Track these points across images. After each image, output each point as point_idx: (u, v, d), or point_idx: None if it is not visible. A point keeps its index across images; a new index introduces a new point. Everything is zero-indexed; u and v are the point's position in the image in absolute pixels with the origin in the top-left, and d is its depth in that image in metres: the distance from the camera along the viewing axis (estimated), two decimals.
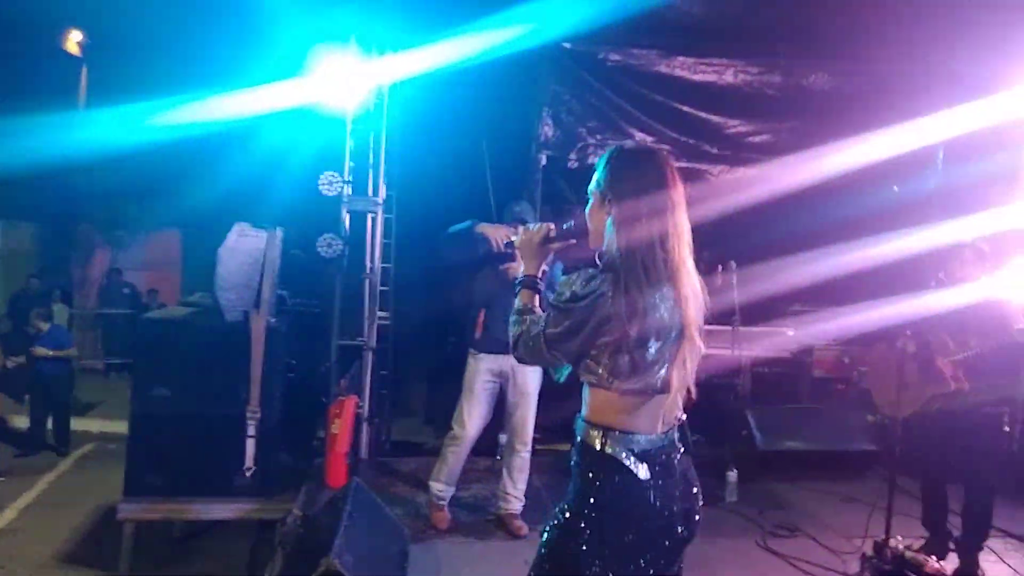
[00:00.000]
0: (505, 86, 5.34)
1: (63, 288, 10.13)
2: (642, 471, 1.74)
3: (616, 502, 1.74)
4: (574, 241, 1.98)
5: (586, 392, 1.82)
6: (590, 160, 5.38)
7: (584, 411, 1.82)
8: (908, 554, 3.65)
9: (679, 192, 1.79)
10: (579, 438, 1.81)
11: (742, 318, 5.16)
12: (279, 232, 4.69)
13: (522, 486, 4.14)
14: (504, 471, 4.16)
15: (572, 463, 1.84)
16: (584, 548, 1.72)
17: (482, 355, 4.01)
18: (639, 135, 5.34)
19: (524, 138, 5.38)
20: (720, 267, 4.92)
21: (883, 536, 3.71)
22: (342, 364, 5.41)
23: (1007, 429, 3.79)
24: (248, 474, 4.65)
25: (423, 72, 5.12)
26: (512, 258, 3.85)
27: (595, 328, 1.74)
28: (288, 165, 5.20)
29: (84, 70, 11.49)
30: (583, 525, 1.73)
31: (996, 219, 5.81)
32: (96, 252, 10.76)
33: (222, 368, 4.47)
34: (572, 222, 1.96)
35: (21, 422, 7.60)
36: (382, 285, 5.62)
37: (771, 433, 5.33)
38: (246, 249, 4.51)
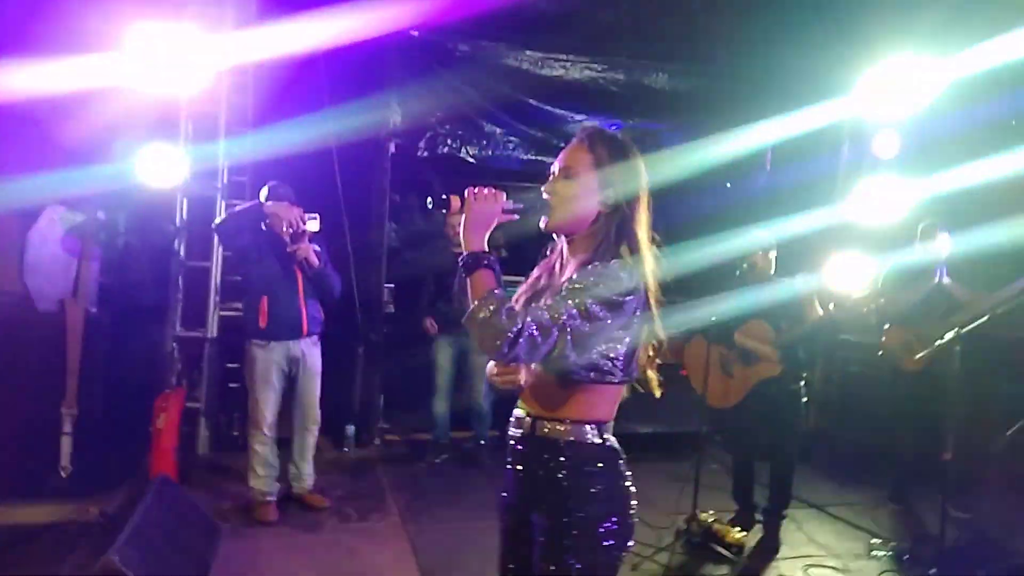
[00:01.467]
0: (353, 71, 5.25)
1: None
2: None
3: (627, 487, 1.75)
4: (516, 217, 1.73)
5: (570, 390, 1.69)
6: (440, 150, 5.40)
7: (563, 410, 1.71)
8: (716, 526, 3.91)
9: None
10: (569, 439, 1.70)
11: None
12: (101, 215, 4.43)
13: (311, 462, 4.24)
14: (295, 451, 4.18)
15: (552, 468, 1.71)
16: (613, 542, 1.69)
17: (272, 343, 3.95)
18: (488, 126, 5.41)
19: (372, 126, 5.31)
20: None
21: (695, 511, 3.95)
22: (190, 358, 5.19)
23: (804, 400, 4.10)
24: (64, 474, 4.38)
25: (270, 53, 4.93)
26: (296, 241, 3.82)
27: (633, 320, 1.66)
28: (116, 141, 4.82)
29: None
30: (613, 520, 1.69)
31: (818, 218, 6.30)
32: None
33: (33, 361, 4.18)
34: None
35: None
36: (234, 274, 5.42)
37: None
38: (61, 233, 4.22)
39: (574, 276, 1.63)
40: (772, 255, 4.05)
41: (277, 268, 3.93)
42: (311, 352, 4.07)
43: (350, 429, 5.32)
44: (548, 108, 5.46)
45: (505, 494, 1.87)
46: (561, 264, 1.83)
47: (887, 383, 4.85)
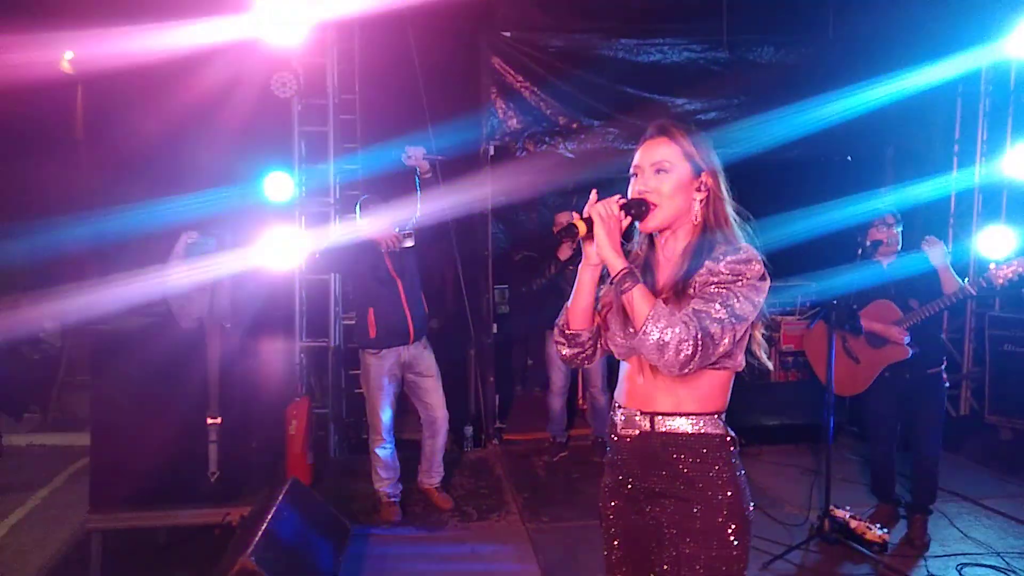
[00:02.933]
0: (454, 73, 5.37)
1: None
2: None
3: (745, 477, 1.76)
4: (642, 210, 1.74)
5: (689, 383, 1.69)
6: (539, 148, 5.39)
7: (685, 404, 1.71)
8: (853, 523, 3.65)
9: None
10: (694, 432, 1.70)
11: None
12: (228, 237, 4.74)
13: (440, 460, 4.34)
14: (425, 449, 4.32)
15: (676, 462, 1.70)
16: (738, 530, 1.69)
17: (383, 352, 4.09)
18: (586, 120, 5.34)
19: (472, 127, 5.38)
20: None
21: (830, 506, 3.71)
22: (314, 366, 5.49)
23: (947, 385, 3.77)
24: (213, 479, 4.73)
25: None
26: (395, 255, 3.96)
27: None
28: (222, 154, 5.13)
29: None
30: (739, 509, 1.70)
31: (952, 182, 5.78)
32: None
33: (180, 375, 4.53)
34: (637, 198, 1.74)
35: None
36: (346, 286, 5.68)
37: (737, 409, 5.32)
38: (195, 255, 4.56)
39: (718, 269, 1.63)
40: (897, 228, 3.73)
41: (379, 281, 4.06)
42: (422, 355, 4.20)
43: (468, 430, 5.42)
44: (647, 95, 5.33)
45: (614, 498, 1.85)
46: (662, 258, 1.80)
47: None
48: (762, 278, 1.65)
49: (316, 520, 3.46)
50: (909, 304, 3.67)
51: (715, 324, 1.57)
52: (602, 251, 1.70)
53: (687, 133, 1.77)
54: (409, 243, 4.07)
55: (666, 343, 1.57)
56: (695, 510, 1.68)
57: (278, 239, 4.87)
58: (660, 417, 1.73)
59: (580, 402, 5.90)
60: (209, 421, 4.69)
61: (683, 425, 1.71)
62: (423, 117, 5.33)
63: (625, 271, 1.66)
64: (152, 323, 4.86)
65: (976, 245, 5.34)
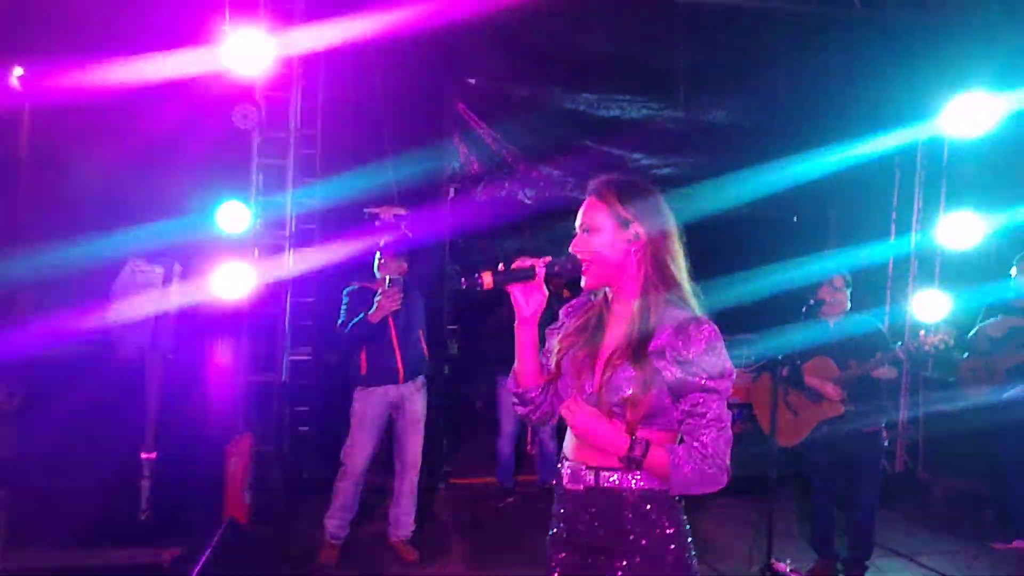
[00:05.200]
0: (415, 117, 5.44)
1: None
2: None
3: (688, 531, 1.82)
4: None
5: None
6: (498, 193, 5.47)
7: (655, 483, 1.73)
8: None
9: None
10: (638, 488, 1.73)
11: None
12: (178, 267, 4.65)
13: (412, 510, 4.19)
14: (395, 498, 4.19)
15: (619, 518, 1.74)
16: None
17: (372, 388, 4.03)
18: (545, 169, 5.45)
19: (435, 171, 5.44)
20: None
21: (771, 560, 3.76)
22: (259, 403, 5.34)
23: (886, 444, 3.90)
24: (144, 517, 4.53)
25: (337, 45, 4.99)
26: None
27: None
28: (180, 184, 5.06)
29: None
30: (684, 565, 1.77)
31: (889, 249, 6.07)
32: None
33: (116, 407, 4.36)
34: (563, 258, 1.79)
35: None
36: (304, 320, 5.58)
37: None
38: (141, 284, 4.44)
39: (701, 369, 1.66)
40: (846, 290, 3.89)
41: (372, 323, 3.99)
42: (413, 397, 4.12)
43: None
44: (606, 149, 5.48)
45: (561, 549, 1.84)
46: (611, 316, 1.83)
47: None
48: (726, 372, 1.69)
49: (251, 562, 3.33)
50: (848, 363, 3.80)
51: (720, 446, 1.66)
52: (592, 440, 1.75)
53: (622, 192, 1.78)
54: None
55: (704, 485, 1.68)
56: (639, 564, 1.71)
57: (229, 270, 4.78)
58: (605, 472, 1.74)
59: (528, 447, 5.88)
60: (143, 456, 4.52)
61: (628, 481, 1.73)
62: (385, 154, 5.36)
63: (632, 452, 1.70)
64: (87, 352, 4.69)
65: (912, 308, 5.59)
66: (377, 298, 3.89)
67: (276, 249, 5.47)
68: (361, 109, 5.58)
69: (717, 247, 6.07)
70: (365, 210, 5.14)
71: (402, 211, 5.05)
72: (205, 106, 5.08)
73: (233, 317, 5.28)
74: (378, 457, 4.27)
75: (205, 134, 5.08)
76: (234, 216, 4.99)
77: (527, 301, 1.82)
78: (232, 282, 4.78)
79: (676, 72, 5.60)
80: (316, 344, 5.67)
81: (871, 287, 5.94)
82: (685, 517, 1.78)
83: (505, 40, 5.32)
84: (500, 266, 1.80)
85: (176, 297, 4.59)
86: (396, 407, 4.12)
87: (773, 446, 3.86)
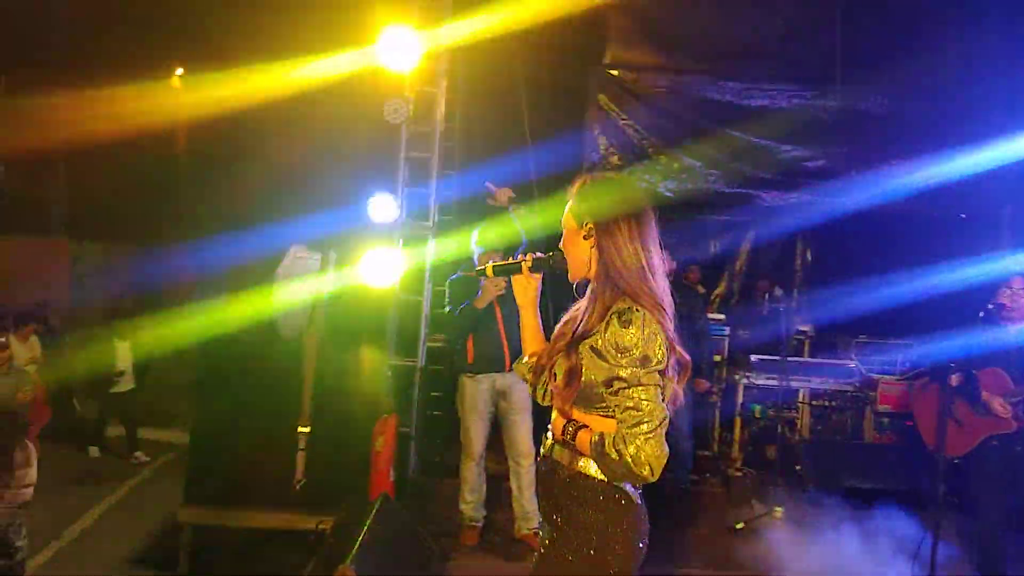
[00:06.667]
0: (554, 108, 5.46)
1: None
2: None
3: None
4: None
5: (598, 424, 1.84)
6: (640, 186, 5.40)
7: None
8: None
9: (653, 215, 1.93)
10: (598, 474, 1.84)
11: (800, 348, 5.04)
12: (333, 255, 4.93)
13: (531, 500, 4.20)
14: (514, 488, 4.26)
15: (582, 503, 1.87)
16: None
17: (479, 376, 4.18)
18: (687, 160, 5.33)
19: (573, 158, 5.45)
20: (767, 295, 4.84)
21: None
22: (400, 384, 5.60)
23: None
24: (298, 487, 4.86)
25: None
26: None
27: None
28: (336, 177, 5.36)
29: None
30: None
31: None
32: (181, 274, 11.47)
33: (277, 384, 4.71)
34: (554, 254, 1.99)
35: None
36: (440, 308, 5.78)
37: (828, 470, 5.13)
38: (301, 270, 4.76)
39: (620, 359, 1.77)
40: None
41: (478, 312, 4.15)
42: (519, 386, 4.20)
43: None
44: (752, 139, 5.28)
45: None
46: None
47: None
48: (644, 361, 1.75)
49: (405, 539, 3.50)
50: None
51: (639, 440, 1.71)
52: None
53: (582, 191, 1.94)
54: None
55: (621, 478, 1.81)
56: (556, 540, 1.88)
57: (378, 259, 5.01)
58: (557, 446, 1.92)
59: None
60: (300, 429, 4.85)
61: (564, 457, 1.89)
62: (524, 146, 5.43)
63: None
64: (255, 333, 5.08)
65: None
66: (482, 284, 3.99)
67: (419, 239, 5.69)
68: (502, 102, 5.68)
69: (870, 245, 5.74)
70: (486, 183, 5.15)
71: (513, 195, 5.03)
72: (358, 104, 5.36)
73: (380, 303, 5.56)
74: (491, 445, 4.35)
75: (359, 130, 5.35)
76: (383, 207, 5.23)
77: (521, 290, 2.07)
78: (380, 269, 5.02)
79: (831, 57, 5.30)
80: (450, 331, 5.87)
81: None
82: (632, 513, 1.85)
83: (648, 29, 5.25)
84: (497, 259, 2.04)
85: (331, 283, 4.88)
86: (503, 395, 4.21)
87: (939, 460, 3.59)
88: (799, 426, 5.66)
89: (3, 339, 5.80)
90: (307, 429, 4.82)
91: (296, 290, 4.77)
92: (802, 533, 4.51)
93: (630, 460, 1.70)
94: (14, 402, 5.43)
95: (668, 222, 6.13)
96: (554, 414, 1.96)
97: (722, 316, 5.82)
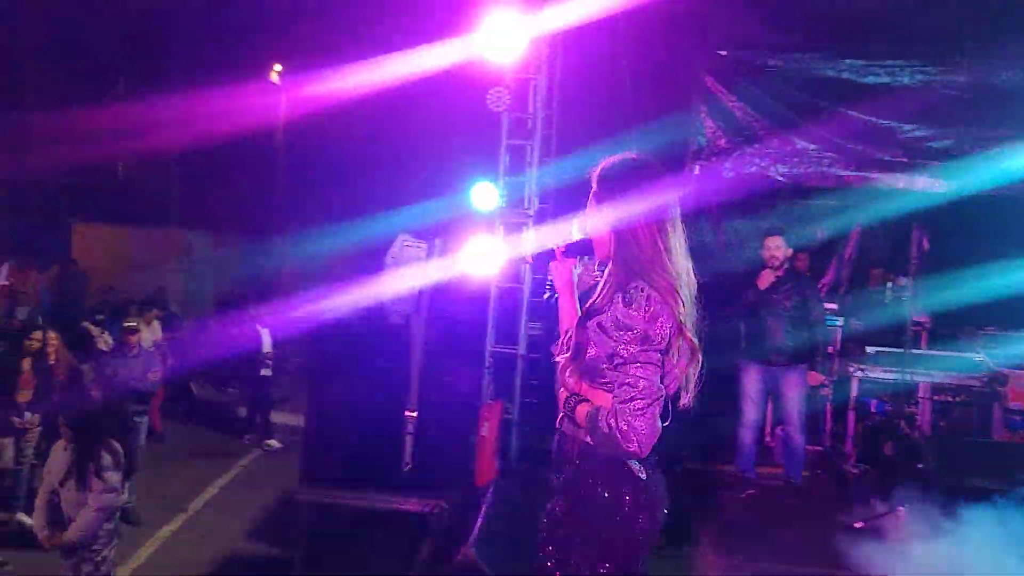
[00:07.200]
0: (659, 93, 5.33)
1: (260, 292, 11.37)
2: None
3: None
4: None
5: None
6: (747, 169, 5.23)
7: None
8: None
9: (672, 198, 1.93)
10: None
11: (917, 340, 4.77)
12: (439, 243, 5.01)
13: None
14: None
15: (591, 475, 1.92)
16: None
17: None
18: (800, 143, 5.10)
19: (679, 146, 5.32)
20: (889, 284, 4.58)
21: None
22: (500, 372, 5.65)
23: None
24: (407, 469, 4.99)
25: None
26: None
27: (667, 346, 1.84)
28: (443, 166, 5.46)
29: (282, 96, 13.01)
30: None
31: None
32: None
33: (386, 368, 4.84)
34: (581, 239, 2.05)
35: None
36: (539, 296, 5.79)
37: (953, 469, 4.83)
38: (408, 258, 4.86)
39: (620, 336, 1.80)
40: None
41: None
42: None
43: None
44: (872, 119, 4.99)
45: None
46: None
47: None
48: (645, 340, 1.76)
49: (522, 522, 3.53)
50: None
51: (627, 416, 1.73)
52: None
53: (603, 175, 1.97)
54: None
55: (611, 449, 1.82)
56: (562, 508, 1.95)
57: (479, 247, 5.06)
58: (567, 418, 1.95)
59: (768, 438, 5.62)
60: (407, 414, 4.97)
61: (570, 429, 1.93)
62: (626, 130, 5.33)
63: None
64: (364, 317, 5.24)
65: None
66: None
67: (518, 227, 5.69)
68: (603, 87, 5.60)
69: (996, 230, 5.34)
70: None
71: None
72: (461, 94, 5.42)
73: (482, 290, 5.62)
74: None
75: (460, 120, 5.41)
76: (484, 195, 5.27)
77: (557, 274, 2.12)
78: (482, 258, 5.07)
79: (959, 30, 4.93)
80: (548, 319, 5.86)
81: None
82: (636, 488, 1.87)
83: (759, 6, 5.04)
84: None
85: (436, 270, 4.97)
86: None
87: None
88: (919, 422, 5.36)
89: (134, 323, 6.25)
90: (414, 413, 4.95)
91: (403, 277, 4.89)
92: (927, 535, 4.26)
93: (618, 435, 1.72)
94: (146, 381, 5.87)
95: (771, 207, 5.91)
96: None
97: (834, 305, 5.56)
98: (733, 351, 5.01)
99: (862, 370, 5.37)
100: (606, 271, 1.97)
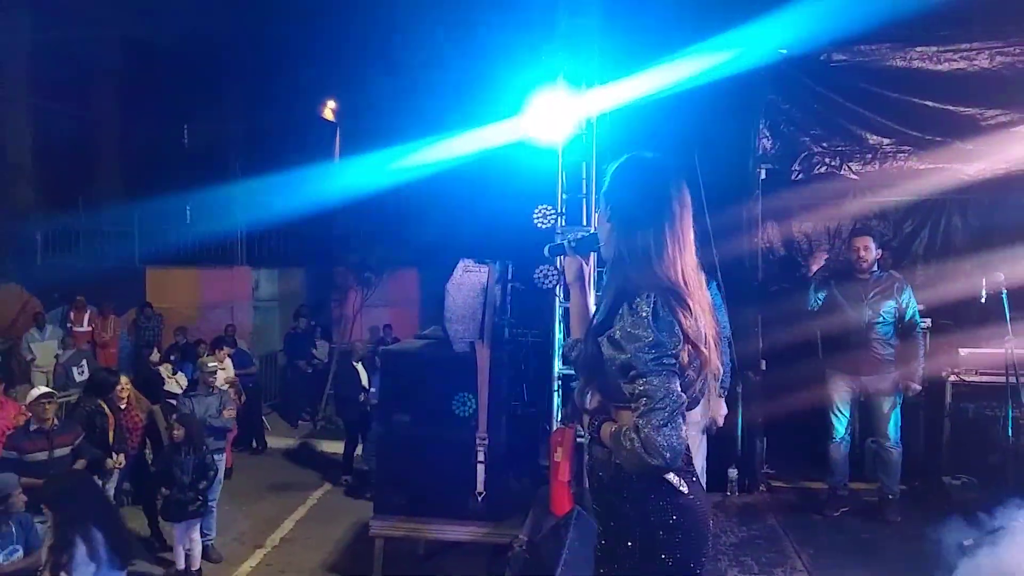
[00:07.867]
0: (718, 99, 5.15)
1: (324, 326, 11.53)
2: None
3: None
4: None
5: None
6: (816, 171, 5.00)
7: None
8: None
9: (681, 202, 1.81)
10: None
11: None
12: (499, 266, 4.94)
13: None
14: None
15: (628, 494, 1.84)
16: None
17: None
18: (873, 138, 4.85)
19: (740, 153, 5.13)
20: (984, 280, 4.27)
21: None
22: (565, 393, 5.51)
23: None
24: (480, 498, 4.89)
25: (630, 101, 5.10)
26: None
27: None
28: (508, 201, 5.46)
29: (338, 132, 13.30)
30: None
31: None
32: (350, 292, 12.13)
33: (453, 395, 4.77)
34: (591, 235, 1.99)
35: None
36: None
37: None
38: (470, 283, 4.80)
39: (629, 348, 1.71)
40: None
41: None
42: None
43: (732, 473, 5.07)
44: (950, 108, 4.70)
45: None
46: None
47: None
48: (657, 348, 1.68)
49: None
50: None
51: (650, 431, 1.63)
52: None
53: (612, 175, 1.89)
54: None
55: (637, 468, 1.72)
56: (611, 538, 1.85)
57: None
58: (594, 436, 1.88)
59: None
60: (478, 441, 4.89)
61: (598, 450, 1.88)
62: (687, 131, 5.16)
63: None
64: (430, 344, 5.20)
65: None
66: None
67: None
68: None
69: None
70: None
71: None
72: (514, 169, 5.52)
73: (544, 311, 5.52)
74: None
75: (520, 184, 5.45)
76: (543, 215, 5.19)
77: (568, 269, 2.07)
78: (545, 278, 4.96)
79: None
80: None
81: None
82: (677, 502, 1.77)
83: (817, 2, 4.83)
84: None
85: (498, 294, 4.89)
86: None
87: None
88: None
89: (215, 364, 6.39)
90: (485, 440, 4.85)
91: (466, 302, 4.82)
92: None
93: (641, 449, 1.63)
94: (222, 418, 5.96)
95: (847, 205, 5.57)
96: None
97: (921, 306, 5.23)
98: (812, 360, 4.76)
99: (956, 374, 5.02)
100: (606, 273, 1.90)
